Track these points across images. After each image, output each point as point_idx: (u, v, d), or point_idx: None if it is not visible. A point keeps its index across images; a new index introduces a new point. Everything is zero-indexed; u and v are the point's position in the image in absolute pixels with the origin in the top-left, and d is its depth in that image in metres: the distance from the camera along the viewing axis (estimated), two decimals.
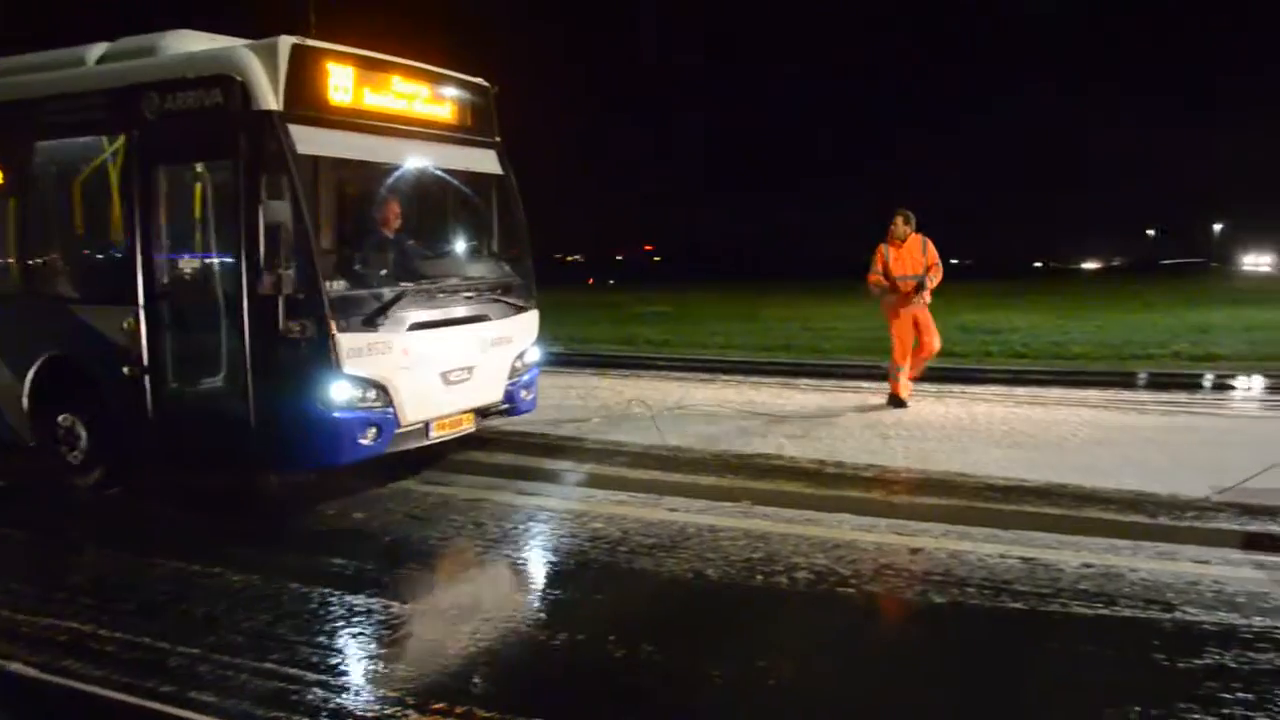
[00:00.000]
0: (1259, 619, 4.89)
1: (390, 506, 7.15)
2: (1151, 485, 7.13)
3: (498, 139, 8.29)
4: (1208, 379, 13.68)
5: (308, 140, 6.44)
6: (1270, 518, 6.38)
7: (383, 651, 4.73)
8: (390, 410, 6.75)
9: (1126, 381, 12.94)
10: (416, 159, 7.57)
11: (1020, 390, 11.98)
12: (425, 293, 7.22)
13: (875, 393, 11.18)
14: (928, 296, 10.23)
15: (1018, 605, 5.13)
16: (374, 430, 6.67)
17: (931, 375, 13.07)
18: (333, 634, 4.84)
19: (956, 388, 12.02)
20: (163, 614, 5.15)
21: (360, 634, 4.86)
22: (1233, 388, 13.04)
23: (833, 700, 4.29)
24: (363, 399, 6.58)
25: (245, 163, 6.35)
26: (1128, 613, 5.05)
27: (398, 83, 7.25)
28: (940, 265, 10.32)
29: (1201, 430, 9.13)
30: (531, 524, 6.71)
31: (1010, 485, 7.19)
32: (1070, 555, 5.85)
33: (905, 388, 10.49)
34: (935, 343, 10.37)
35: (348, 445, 6.58)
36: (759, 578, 5.54)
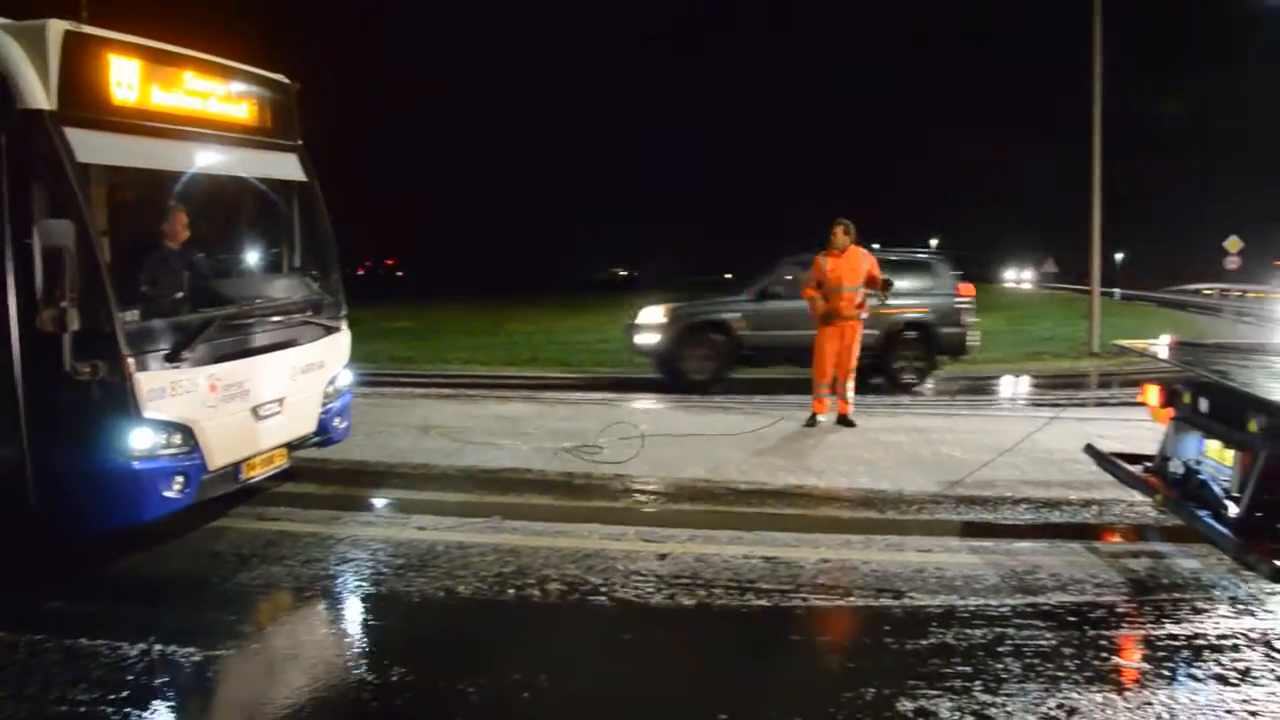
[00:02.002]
0: (974, 599, 5.41)
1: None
2: (881, 483, 7.72)
3: (299, 142, 7.57)
4: (929, 382, 14.91)
5: (88, 146, 5.56)
6: (982, 507, 7.06)
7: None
8: (197, 455, 5.95)
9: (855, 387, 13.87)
10: (213, 166, 6.79)
11: (759, 397, 12.62)
12: (231, 319, 6.44)
13: (617, 403, 11.46)
14: (866, 311, 10.22)
15: (762, 602, 5.41)
16: (181, 480, 5.85)
17: (661, 385, 13.55)
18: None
19: (696, 397, 12.54)
20: None
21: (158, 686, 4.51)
22: (950, 390, 14.27)
23: (586, 706, 4.38)
24: (167, 445, 5.76)
25: (11, 174, 5.40)
26: (861, 602, 5.45)
27: (190, 79, 6.39)
28: (882, 276, 10.24)
29: (925, 430, 9.94)
30: (269, 548, 6.43)
31: (752, 489, 7.59)
32: (809, 552, 6.22)
33: (828, 404, 10.29)
34: (852, 363, 10.22)
35: (152, 500, 5.74)
36: (511, 592, 5.57)
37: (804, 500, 7.34)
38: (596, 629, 5.18)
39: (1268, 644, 4.86)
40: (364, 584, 5.78)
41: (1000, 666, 4.56)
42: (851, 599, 5.50)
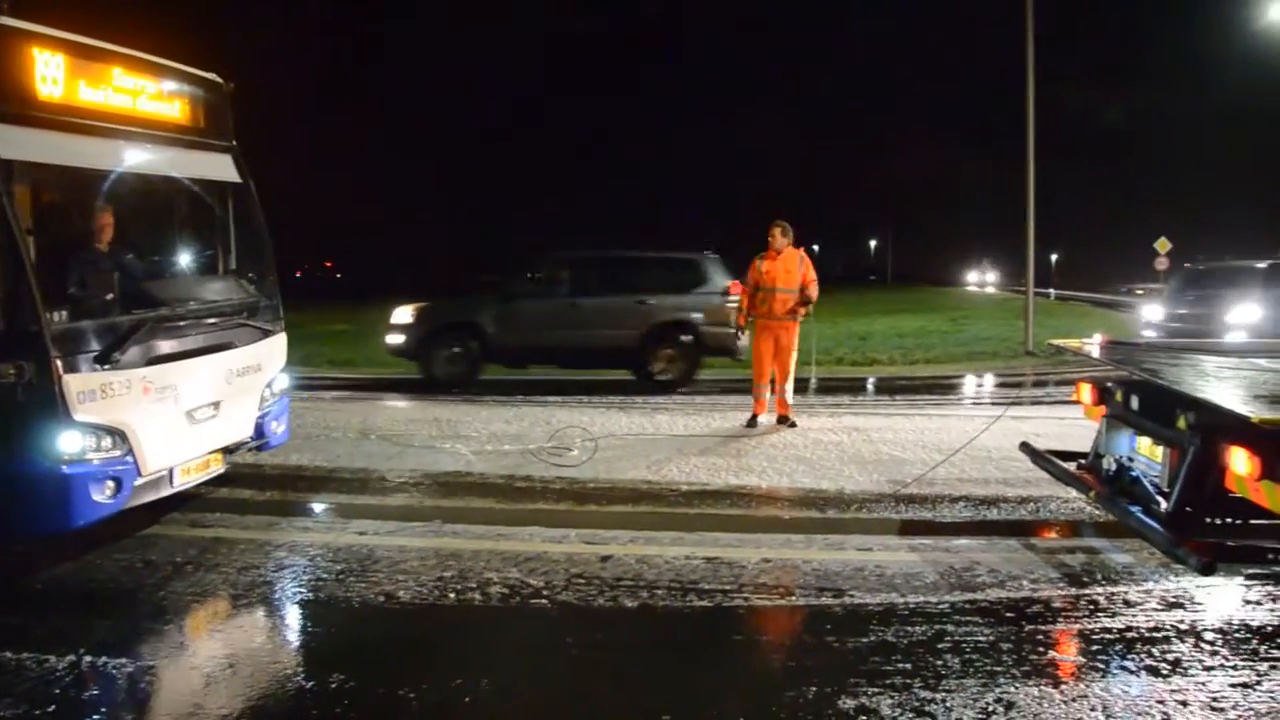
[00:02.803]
0: (914, 596, 5.49)
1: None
2: (822, 483, 7.81)
3: (234, 143, 7.42)
4: (869, 382, 15.10)
5: (11, 142, 5.47)
6: (922, 505, 7.17)
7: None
8: (130, 459, 5.84)
9: (797, 387, 13.99)
10: (143, 165, 6.63)
11: (700, 399, 12.69)
12: (164, 320, 6.34)
13: (562, 406, 11.45)
14: (801, 313, 10.21)
15: (704, 603, 5.44)
16: (112, 485, 5.74)
17: (603, 386, 13.57)
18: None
19: (639, 399, 12.57)
20: None
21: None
22: (890, 390, 14.45)
23: (528, 711, 4.37)
24: (97, 449, 5.65)
25: None
26: (803, 601, 5.50)
27: (119, 75, 6.26)
28: (816, 281, 10.26)
29: (865, 430, 10.06)
30: (205, 555, 6.33)
31: (694, 490, 7.63)
32: (750, 552, 6.27)
33: (767, 405, 10.38)
34: (790, 365, 10.28)
35: (83, 505, 5.60)
36: (452, 596, 5.55)
37: (746, 500, 7.40)
38: (539, 632, 5.17)
39: (1197, 635, 5.00)
40: (302, 590, 5.72)
41: (940, 663, 4.63)
42: (793, 598, 5.55)
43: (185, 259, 7.72)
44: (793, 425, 10.20)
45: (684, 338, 13.86)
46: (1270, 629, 5.14)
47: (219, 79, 7.24)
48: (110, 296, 6.21)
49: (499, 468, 8.41)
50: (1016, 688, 4.38)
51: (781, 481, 7.92)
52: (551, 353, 14.17)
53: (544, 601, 5.48)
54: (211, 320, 6.83)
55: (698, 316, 13.88)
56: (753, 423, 10.31)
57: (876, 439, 9.56)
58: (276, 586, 5.79)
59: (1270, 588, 5.63)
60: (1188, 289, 18.31)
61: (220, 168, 7.31)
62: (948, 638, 4.93)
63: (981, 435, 8.59)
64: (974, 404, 13.21)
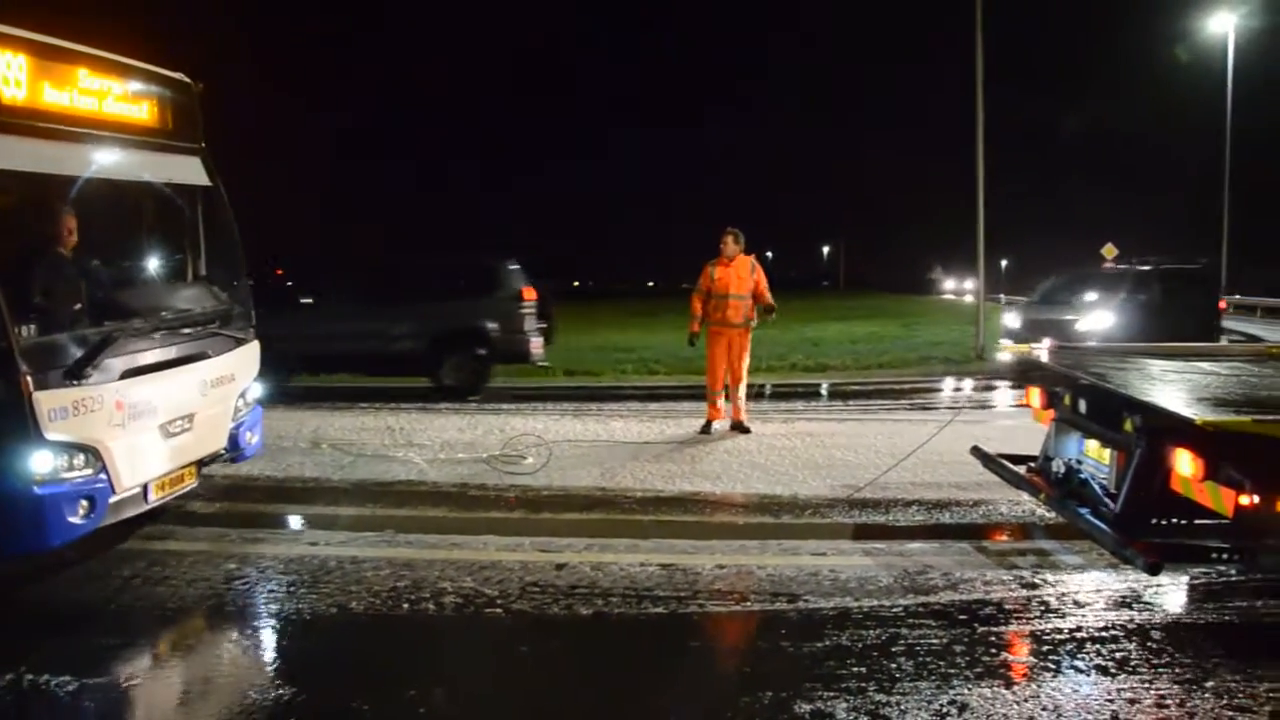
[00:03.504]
0: (868, 600, 5.54)
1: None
2: (776, 488, 7.85)
3: (202, 145, 7.16)
4: (823, 388, 15.23)
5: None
6: (875, 510, 7.24)
7: None
8: (104, 477, 5.63)
9: (751, 393, 14.07)
10: (109, 169, 6.36)
11: (654, 405, 12.72)
12: (136, 331, 6.08)
13: (512, 413, 11.41)
14: (769, 319, 10.34)
15: (659, 610, 5.45)
16: (86, 504, 5.53)
17: (561, 394, 13.58)
18: None
19: (594, 405, 12.57)
20: None
21: None
22: (843, 395, 14.56)
23: None
24: (70, 467, 5.44)
25: None
26: (758, 606, 5.53)
27: (84, 76, 6.01)
28: (768, 288, 10.28)
29: (818, 435, 10.14)
30: (153, 568, 6.23)
31: (648, 497, 7.65)
32: (705, 559, 6.29)
33: (722, 411, 10.43)
34: (742, 371, 10.32)
35: (56, 526, 5.39)
36: (405, 606, 5.51)
37: (700, 507, 7.43)
38: (493, 642, 5.15)
39: (1145, 634, 5.09)
40: (253, 603, 5.66)
41: (894, 666, 4.68)
42: (748, 604, 5.58)
43: (154, 266, 7.46)
44: (747, 431, 10.24)
45: (474, 345, 13.78)
46: (1215, 627, 5.25)
47: (187, 79, 7.01)
48: (78, 307, 5.99)
49: (452, 476, 8.37)
50: (970, 689, 4.44)
51: (736, 487, 7.96)
52: (346, 360, 14.08)
53: (499, 610, 5.46)
54: (185, 330, 6.60)
55: (489, 324, 13.79)
56: (707, 429, 10.34)
57: (830, 444, 9.64)
58: (226, 599, 5.71)
59: (1215, 587, 5.75)
60: (1054, 295, 18.20)
61: (188, 170, 7.08)
62: (902, 641, 4.98)
63: (933, 439, 8.69)
64: (926, 409, 13.33)
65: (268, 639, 5.27)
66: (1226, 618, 5.38)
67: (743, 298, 10.15)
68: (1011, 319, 17.89)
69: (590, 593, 5.70)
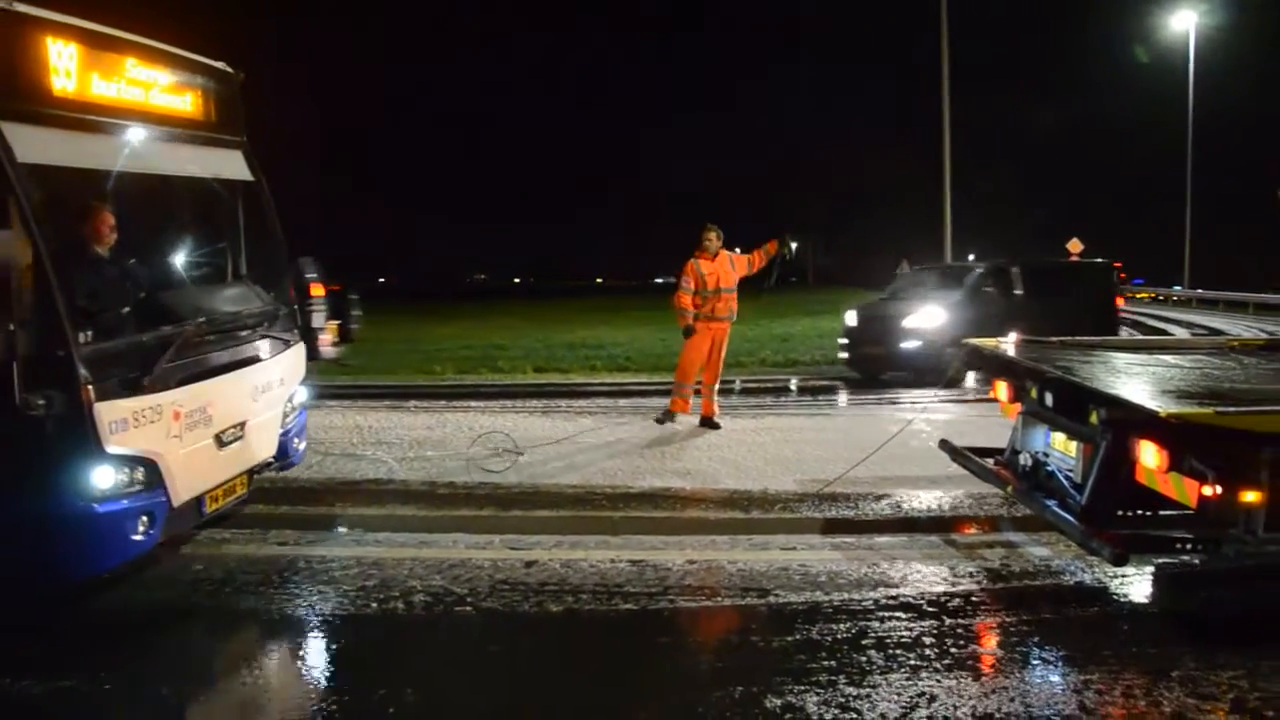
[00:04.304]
0: (838, 594, 5.58)
1: None
2: (745, 484, 7.87)
3: (244, 138, 6.79)
4: (792, 383, 15.31)
5: (30, 144, 4.83)
6: (845, 504, 7.28)
7: None
8: (161, 491, 5.24)
9: (721, 389, 14.11)
10: (156, 165, 6.06)
11: (624, 401, 12.72)
12: (191, 335, 5.68)
13: (480, 411, 11.38)
14: (786, 253, 10.52)
15: (630, 606, 5.46)
16: (146, 520, 5.14)
17: (525, 391, 13.55)
18: None
19: (563, 402, 12.56)
20: None
21: None
22: (812, 390, 14.64)
23: None
24: (130, 482, 5.06)
25: None
26: (728, 601, 5.56)
27: (132, 67, 5.62)
28: (751, 257, 10.47)
29: (787, 430, 10.18)
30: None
31: (618, 493, 7.64)
32: (675, 554, 6.31)
33: (690, 405, 10.38)
34: (721, 367, 10.43)
35: (117, 545, 5.04)
36: (374, 605, 5.49)
37: (670, 503, 7.43)
38: (463, 640, 5.15)
39: (1111, 625, 5.17)
40: (218, 603, 5.61)
41: (864, 659, 4.72)
42: (719, 599, 5.60)
43: (197, 265, 7.09)
44: (717, 427, 10.25)
45: None
46: (1180, 617, 5.33)
47: (229, 69, 6.67)
48: (126, 310, 5.64)
49: (421, 474, 8.32)
50: (939, 681, 4.48)
51: (705, 483, 7.97)
52: None
53: (468, 609, 5.45)
54: (237, 333, 6.26)
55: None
56: (669, 418, 10.38)
57: (798, 439, 9.67)
58: (192, 599, 5.67)
59: (1180, 577, 5.83)
60: (900, 291, 17.28)
61: (232, 164, 6.73)
62: (871, 634, 5.02)
63: (901, 433, 8.75)
64: (894, 403, 13.41)
65: (234, 639, 5.23)
66: (1191, 608, 5.46)
67: (732, 291, 10.27)
68: (850, 317, 16.33)
69: (560, 590, 5.70)
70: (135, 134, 5.75)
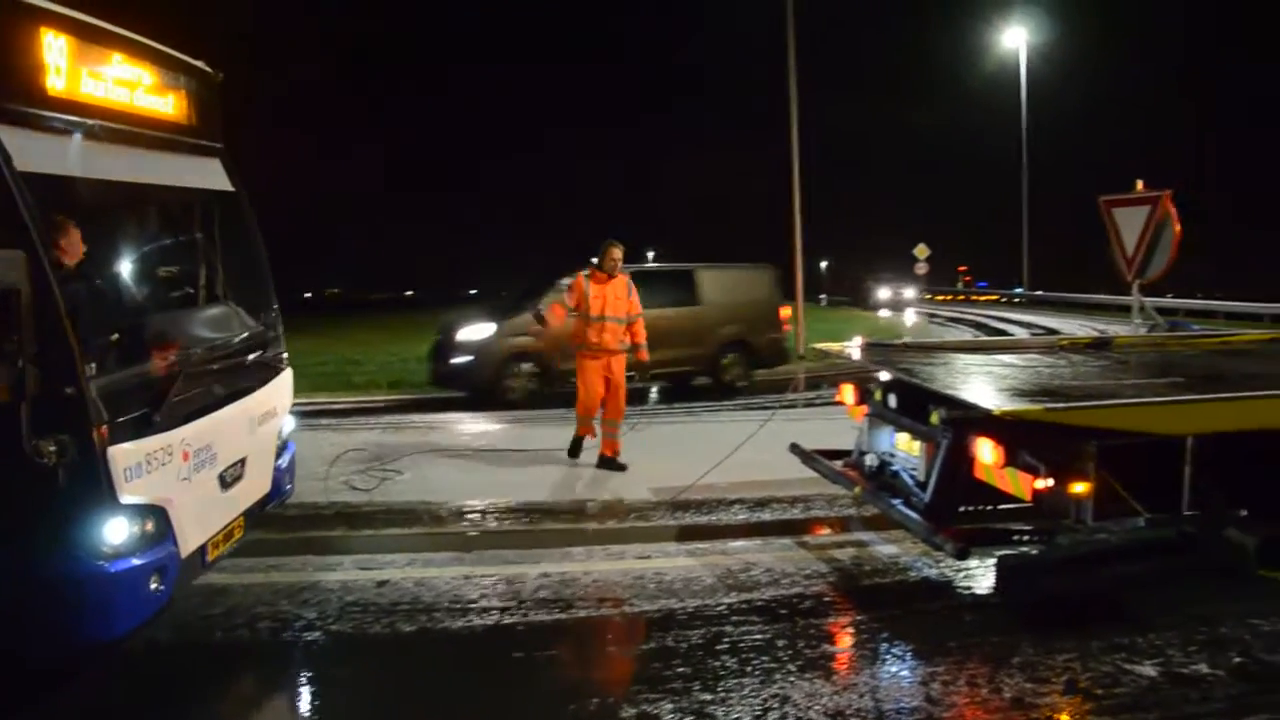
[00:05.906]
0: (692, 601, 5.65)
1: None
2: (601, 494, 7.90)
3: (222, 144, 6.09)
4: (652, 391, 15.40)
5: (26, 150, 4.16)
6: (699, 510, 7.37)
7: None
8: (171, 542, 4.58)
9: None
10: (119, 172, 5.13)
11: (415, 417, 12.57)
12: (196, 365, 5.07)
13: (331, 429, 11.14)
14: (640, 357, 9.23)
15: (484, 622, 5.42)
16: (157, 576, 4.45)
17: (381, 408, 13.30)
18: None
19: (414, 417, 12.37)
20: None
21: None
22: (666, 399, 14.77)
23: None
24: (143, 534, 4.39)
25: None
26: (583, 613, 5.56)
27: (119, 63, 4.93)
28: (641, 315, 9.16)
29: (644, 439, 10.22)
30: None
31: (473, 509, 7.56)
32: (530, 568, 6.29)
33: (592, 429, 9.16)
34: (623, 402, 9.14)
35: (127, 608, 4.36)
36: (218, 634, 5.31)
37: (525, 516, 7.39)
38: (309, 666, 5.03)
39: (956, 616, 5.37)
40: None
41: (718, 664, 4.79)
42: (573, 611, 5.60)
43: (192, 289, 6.32)
44: (622, 468, 8.93)
45: None
46: (1020, 605, 5.58)
47: (209, 69, 5.98)
48: (116, 337, 4.82)
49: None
50: (792, 682, 4.58)
51: (560, 495, 7.96)
52: None
53: (316, 634, 5.32)
54: (232, 360, 5.60)
55: None
56: (577, 449, 9.33)
57: (655, 448, 9.73)
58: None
59: (1020, 568, 6.10)
60: (506, 302, 15.42)
61: (210, 173, 6.02)
62: (726, 639, 5.10)
63: (753, 438, 8.89)
64: (746, 409, 13.64)
65: (59, 677, 4.96)
66: (1031, 596, 5.72)
67: (620, 321, 9.00)
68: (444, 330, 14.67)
69: (413, 609, 5.61)
70: (125, 140, 5.09)
